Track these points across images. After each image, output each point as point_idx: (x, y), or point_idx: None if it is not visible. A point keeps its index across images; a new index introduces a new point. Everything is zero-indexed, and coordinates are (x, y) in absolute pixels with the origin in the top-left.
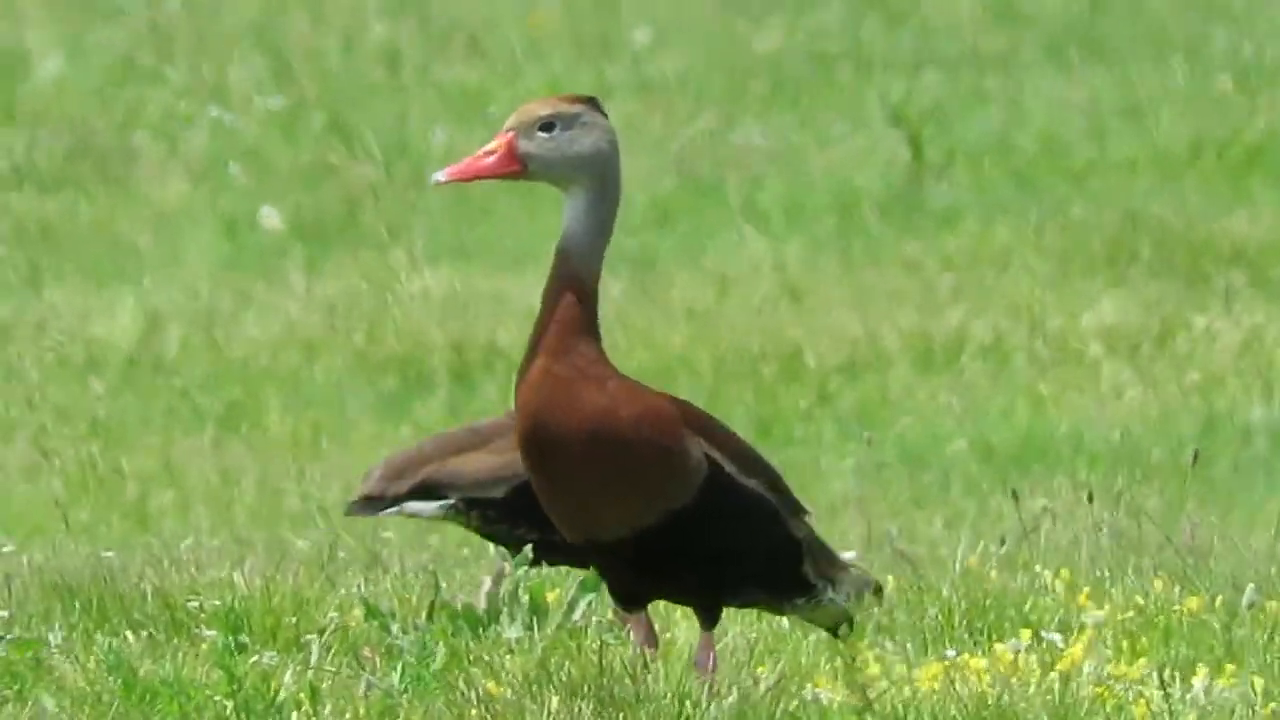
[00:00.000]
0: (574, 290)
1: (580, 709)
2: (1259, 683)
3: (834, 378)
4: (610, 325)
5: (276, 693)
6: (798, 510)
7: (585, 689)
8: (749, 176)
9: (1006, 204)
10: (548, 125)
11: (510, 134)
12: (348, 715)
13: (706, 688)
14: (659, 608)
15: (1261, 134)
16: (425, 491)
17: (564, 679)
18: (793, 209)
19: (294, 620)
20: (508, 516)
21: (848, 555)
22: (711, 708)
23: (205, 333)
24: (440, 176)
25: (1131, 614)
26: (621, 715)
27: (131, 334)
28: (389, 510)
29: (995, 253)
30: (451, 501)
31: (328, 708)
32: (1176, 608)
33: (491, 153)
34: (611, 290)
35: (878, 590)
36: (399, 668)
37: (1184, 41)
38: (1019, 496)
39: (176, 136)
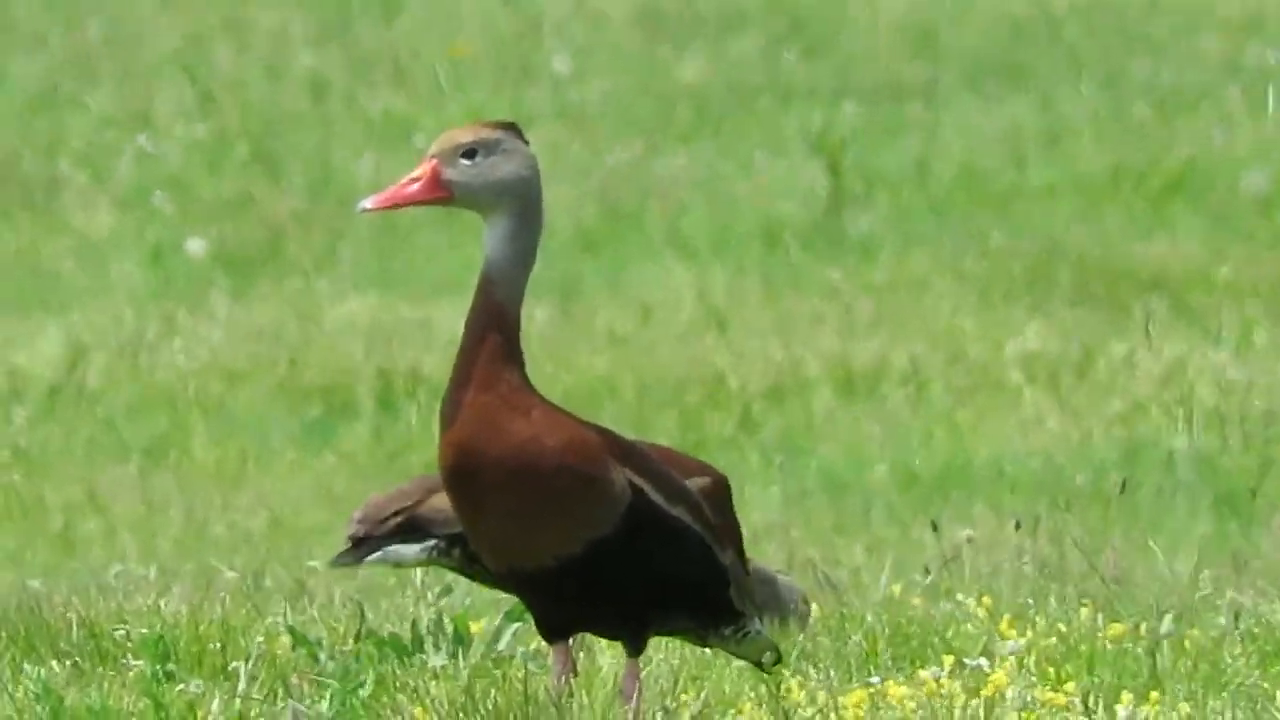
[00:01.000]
0: (497, 318)
1: None
2: (1184, 709)
3: (757, 404)
4: (534, 351)
5: None
6: (722, 539)
7: (510, 717)
8: (672, 204)
9: (926, 232)
10: (470, 152)
11: (433, 161)
12: None
13: (631, 715)
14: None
15: (1181, 161)
16: (407, 531)
17: (489, 707)
18: (715, 237)
19: (220, 648)
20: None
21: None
22: None
23: (130, 361)
24: (366, 204)
25: (1055, 641)
26: None
27: (55, 363)
28: (373, 556)
29: (915, 281)
30: (434, 542)
31: None
32: (1100, 634)
33: (416, 180)
34: (536, 316)
35: (806, 601)
36: (327, 695)
37: (1103, 69)
38: (938, 526)
39: (101, 165)
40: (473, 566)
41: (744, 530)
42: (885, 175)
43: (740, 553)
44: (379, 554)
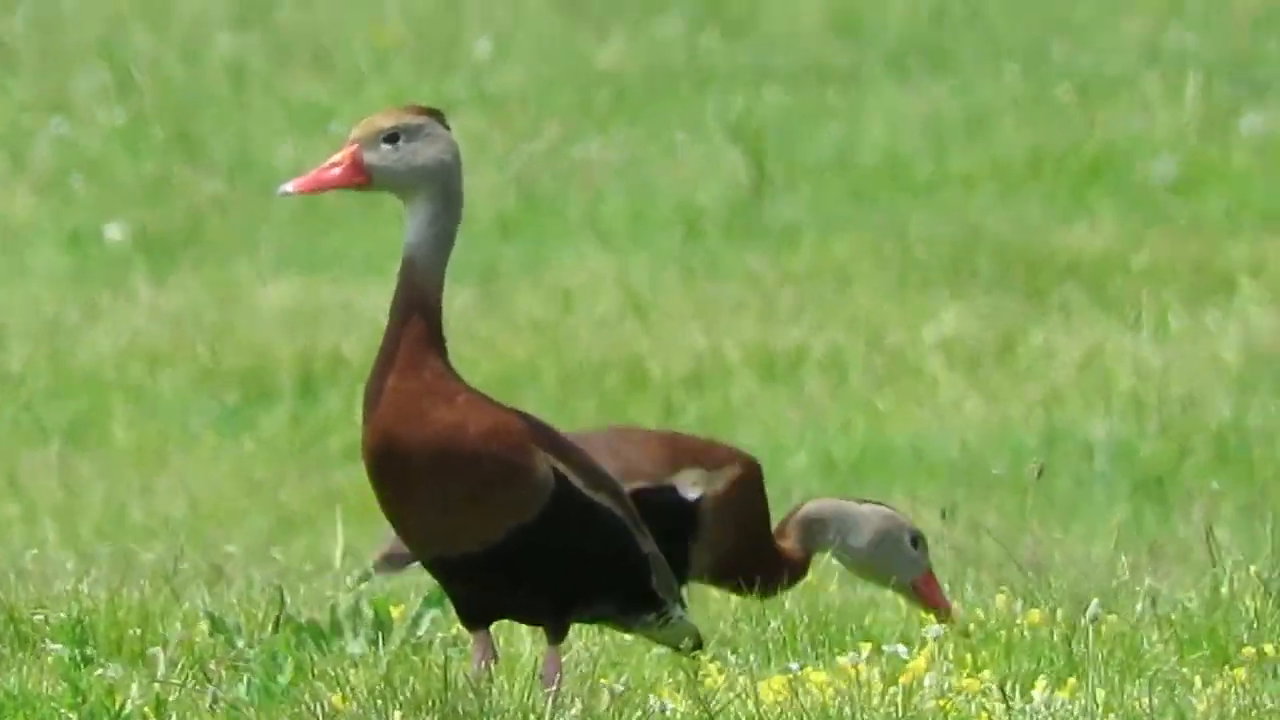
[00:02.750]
0: (419, 303)
1: None
2: (1100, 695)
3: (678, 390)
4: (455, 337)
5: (122, 706)
6: (642, 526)
7: (430, 703)
8: (591, 190)
9: (846, 218)
10: (391, 137)
11: (355, 145)
12: None
13: (551, 700)
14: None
15: (1101, 146)
16: None
17: (409, 694)
18: (635, 223)
19: (139, 633)
20: None
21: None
22: None
23: (49, 345)
24: (287, 188)
25: (972, 627)
26: None
27: None
28: (414, 563)
29: (835, 267)
30: None
31: None
32: (1018, 621)
33: (337, 164)
34: (456, 302)
35: (919, 538)
36: (245, 681)
37: (1023, 52)
38: None
39: (20, 149)
40: None
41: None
42: (806, 161)
43: (764, 534)
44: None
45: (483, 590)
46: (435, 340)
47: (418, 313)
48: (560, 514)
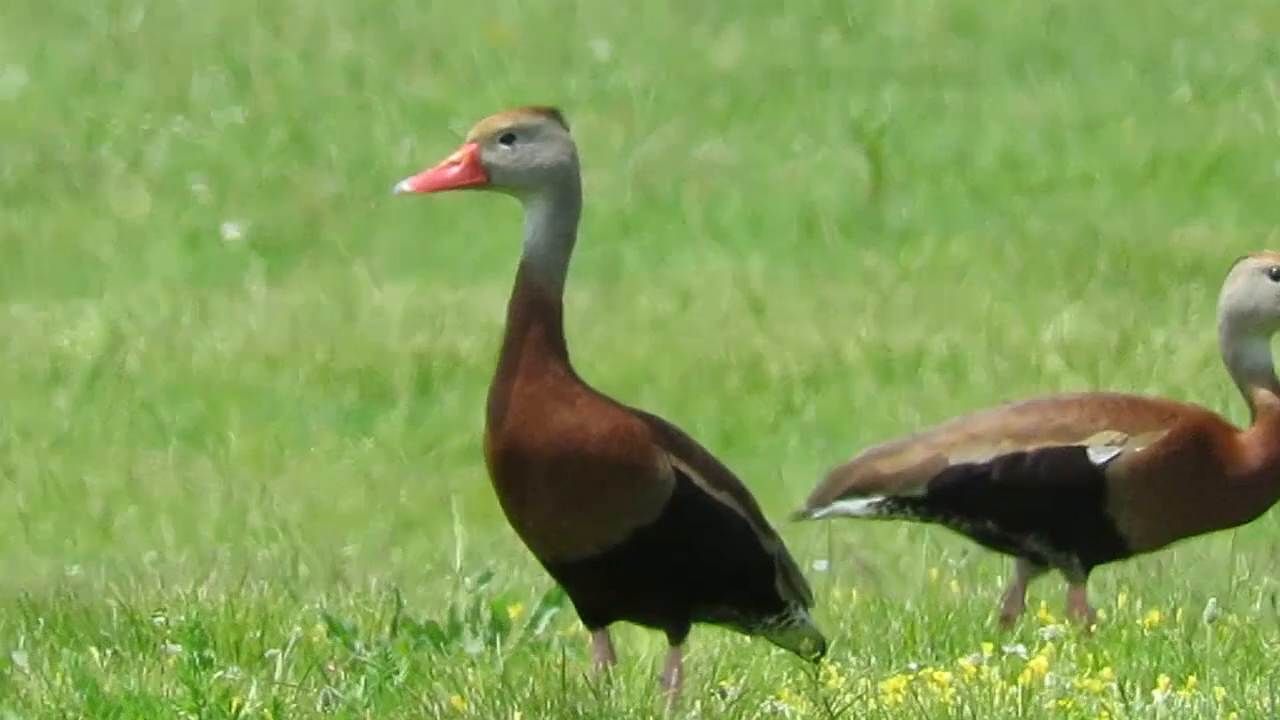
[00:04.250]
0: (540, 305)
1: None
2: (1220, 694)
3: (797, 389)
4: (574, 337)
5: (240, 708)
6: (767, 526)
7: (548, 704)
8: (709, 190)
9: (965, 219)
10: (509, 137)
11: (473, 145)
12: None
13: (669, 702)
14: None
15: (1221, 146)
16: (856, 493)
17: (527, 694)
18: (753, 223)
19: (258, 636)
20: (934, 511)
21: (820, 565)
22: None
23: (167, 346)
24: (405, 186)
25: (1094, 627)
26: None
27: (95, 347)
28: (821, 512)
29: (953, 267)
30: (880, 499)
31: None
32: (1138, 621)
33: (455, 164)
34: (575, 302)
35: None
36: (362, 682)
37: (1142, 53)
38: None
39: (139, 149)
40: (928, 520)
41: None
42: (924, 161)
43: (1208, 490)
44: (827, 509)
45: (604, 592)
46: (556, 342)
47: (539, 315)
48: (682, 514)
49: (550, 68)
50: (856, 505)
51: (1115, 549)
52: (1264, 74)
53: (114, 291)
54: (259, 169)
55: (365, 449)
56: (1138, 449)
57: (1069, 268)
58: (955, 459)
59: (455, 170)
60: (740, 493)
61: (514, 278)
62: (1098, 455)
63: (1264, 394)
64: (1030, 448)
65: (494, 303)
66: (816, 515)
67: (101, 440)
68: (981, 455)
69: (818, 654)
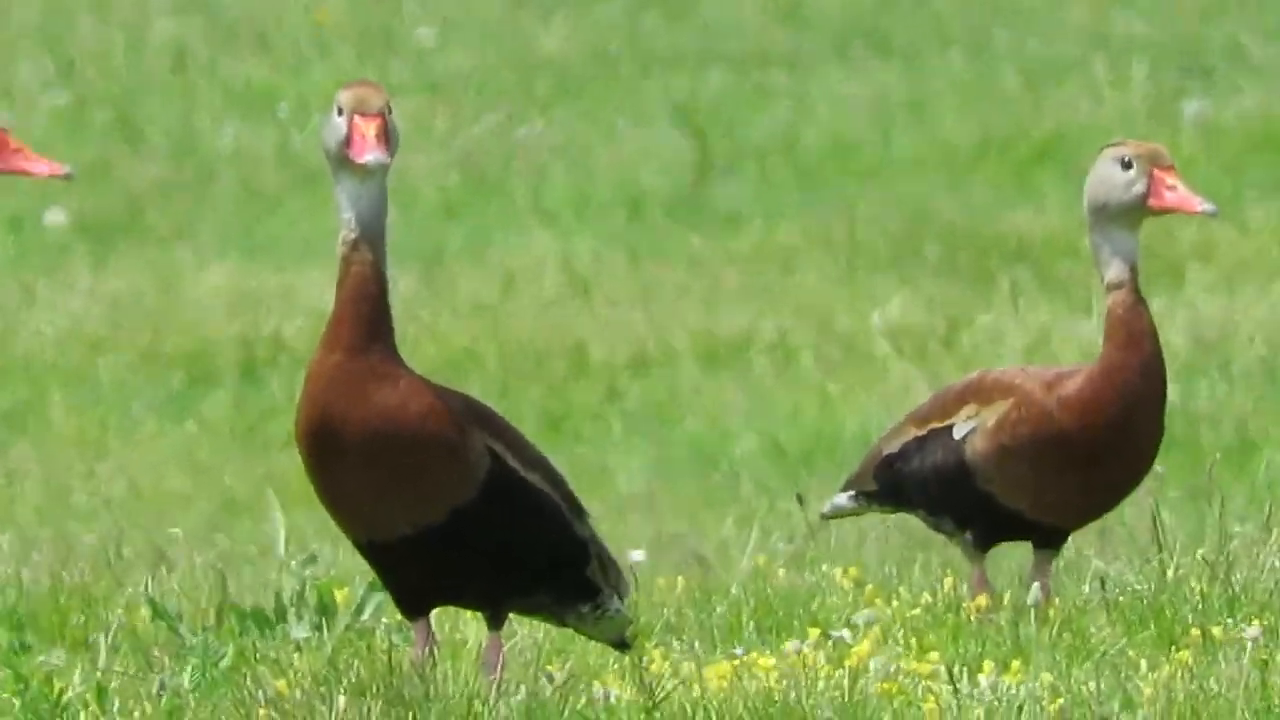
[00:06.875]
0: (372, 283)
1: (369, 708)
2: (1046, 678)
3: (622, 375)
4: (397, 320)
5: (63, 693)
6: (581, 511)
7: (374, 688)
8: (535, 173)
9: (792, 202)
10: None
11: (380, 117)
12: (136, 715)
13: (495, 686)
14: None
15: (1047, 131)
16: (843, 488)
17: (353, 679)
18: (579, 206)
19: (82, 620)
20: (884, 502)
21: (635, 555)
22: (500, 706)
23: None
24: (380, 157)
25: (919, 611)
26: (411, 714)
27: None
28: (827, 509)
29: (780, 251)
30: (854, 493)
31: (116, 708)
32: (965, 605)
33: (381, 134)
34: (399, 285)
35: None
36: (187, 667)
37: (969, 38)
38: (804, 499)
39: None
40: (884, 507)
41: (611, 502)
42: (751, 145)
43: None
44: (830, 505)
45: (419, 575)
46: (382, 322)
47: (368, 293)
48: (496, 494)
49: (376, 51)
50: (843, 499)
51: (1014, 526)
52: (1093, 58)
53: None
54: (82, 153)
55: (189, 432)
56: (989, 422)
57: (897, 252)
58: (885, 449)
59: (381, 143)
60: (552, 475)
61: (337, 261)
62: (959, 432)
63: (1112, 298)
64: (922, 431)
65: (318, 286)
66: (823, 513)
67: None
68: (895, 444)
69: (624, 649)
